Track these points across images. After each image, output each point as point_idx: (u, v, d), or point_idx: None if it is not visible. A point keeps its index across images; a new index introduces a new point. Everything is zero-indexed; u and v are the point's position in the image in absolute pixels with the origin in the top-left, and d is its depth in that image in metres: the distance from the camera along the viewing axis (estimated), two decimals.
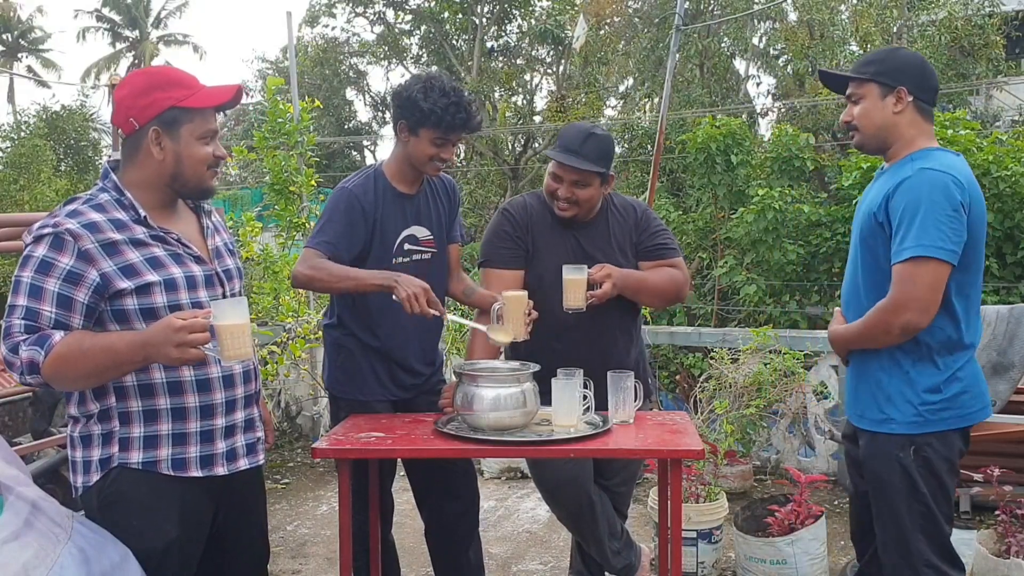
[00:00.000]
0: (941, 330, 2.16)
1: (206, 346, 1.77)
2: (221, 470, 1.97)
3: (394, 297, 2.39)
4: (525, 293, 2.51)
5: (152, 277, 1.87)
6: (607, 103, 22.68)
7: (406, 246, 2.65)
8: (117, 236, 1.86)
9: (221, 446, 1.97)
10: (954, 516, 2.44)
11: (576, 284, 2.49)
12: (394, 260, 2.63)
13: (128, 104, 1.91)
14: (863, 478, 2.34)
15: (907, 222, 2.10)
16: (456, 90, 2.55)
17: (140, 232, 1.90)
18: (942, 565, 2.19)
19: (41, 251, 1.81)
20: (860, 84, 2.28)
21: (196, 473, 1.93)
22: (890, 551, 2.24)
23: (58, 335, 1.77)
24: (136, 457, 1.89)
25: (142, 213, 1.91)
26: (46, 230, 1.82)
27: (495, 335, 2.46)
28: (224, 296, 2.01)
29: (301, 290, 6.26)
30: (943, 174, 2.12)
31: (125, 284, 1.84)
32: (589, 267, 2.55)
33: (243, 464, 2.03)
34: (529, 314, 2.46)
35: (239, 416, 2.01)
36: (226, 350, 1.79)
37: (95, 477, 1.90)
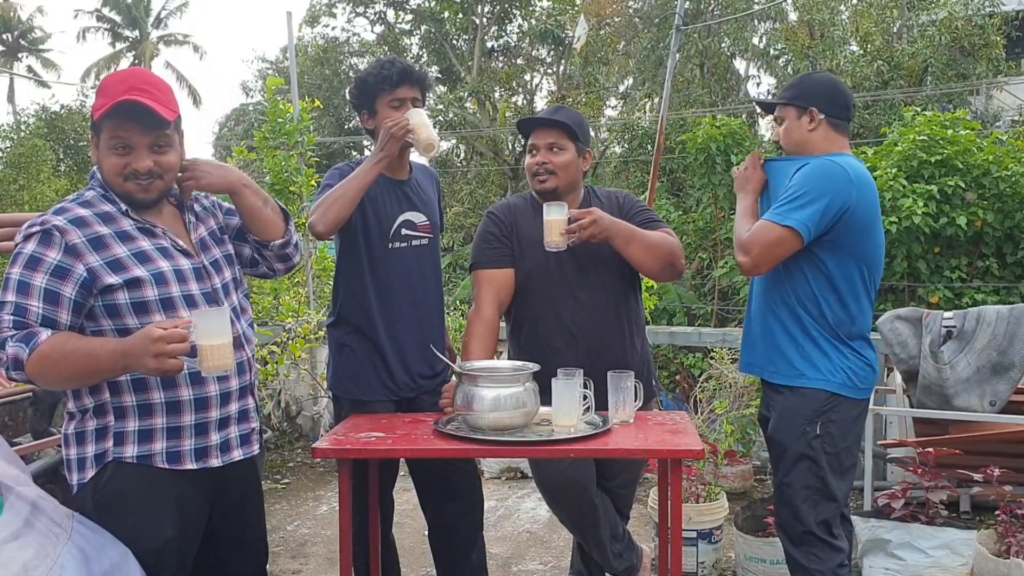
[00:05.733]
0: (856, 318, 2.45)
1: (185, 357, 1.77)
2: (216, 461, 1.98)
3: (385, 149, 2.51)
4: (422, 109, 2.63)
5: (139, 272, 1.88)
6: (607, 103, 22.67)
7: (403, 231, 2.67)
8: (104, 230, 1.89)
9: (215, 438, 1.98)
10: (851, 494, 2.69)
11: (555, 223, 2.48)
12: (390, 245, 2.64)
13: None
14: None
15: (790, 193, 2.38)
16: (389, 57, 2.72)
17: (127, 224, 1.93)
18: (825, 536, 2.43)
19: (30, 248, 1.83)
20: (782, 108, 2.59)
21: (191, 466, 1.94)
22: (783, 511, 2.52)
23: (45, 334, 1.79)
24: (131, 451, 1.90)
25: (123, 207, 1.93)
26: (35, 228, 1.85)
27: (422, 153, 2.58)
28: (213, 288, 2.01)
29: (303, 290, 6.26)
30: (836, 165, 2.40)
31: (112, 279, 1.85)
32: (578, 253, 2.58)
33: (237, 455, 2.03)
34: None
35: (233, 407, 2.02)
36: (205, 360, 1.79)
37: (90, 473, 1.90)
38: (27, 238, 1.85)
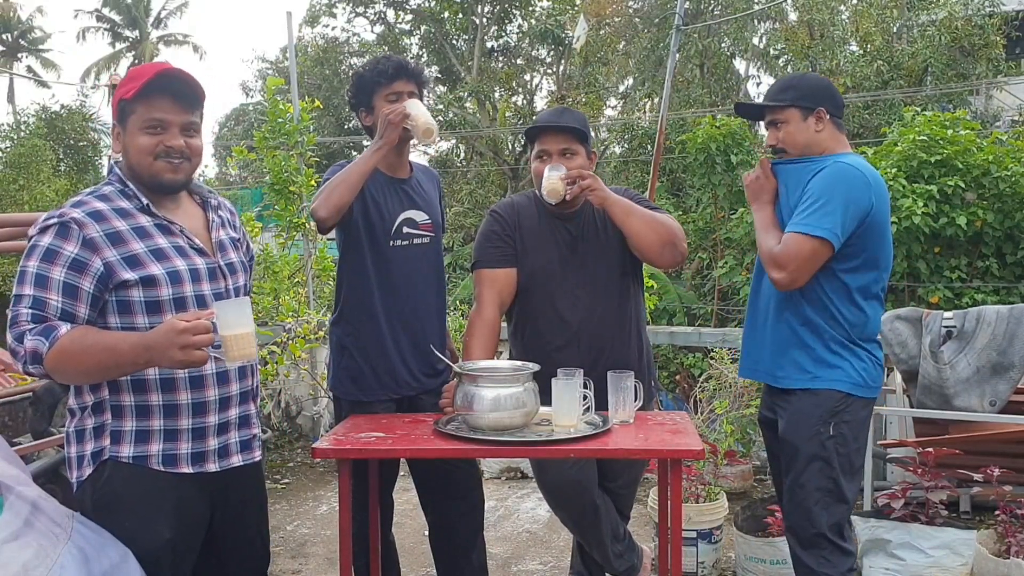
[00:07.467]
0: (870, 319, 2.45)
1: (209, 348, 1.76)
2: (213, 467, 1.97)
3: (384, 137, 2.51)
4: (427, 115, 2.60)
5: (155, 269, 1.87)
6: (607, 103, 22.68)
7: (405, 229, 2.67)
8: (121, 225, 1.88)
9: (213, 443, 1.97)
10: (858, 496, 2.66)
11: (555, 174, 2.53)
12: (391, 243, 2.64)
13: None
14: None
15: (812, 200, 2.36)
16: (385, 54, 2.71)
17: (144, 220, 1.92)
18: (836, 539, 2.42)
19: (47, 240, 1.82)
20: (781, 111, 2.52)
21: (187, 469, 1.93)
22: (794, 514, 2.48)
23: (64, 328, 1.78)
24: (127, 451, 1.89)
25: (144, 201, 1.93)
26: (52, 220, 1.84)
27: (421, 140, 2.59)
28: (227, 289, 2.01)
29: (303, 290, 6.26)
30: (855, 169, 2.39)
31: (128, 275, 1.85)
32: (580, 251, 2.62)
33: (236, 461, 2.02)
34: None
35: (233, 413, 2.01)
36: (230, 351, 1.79)
37: (88, 471, 1.90)
38: (43, 230, 1.83)
